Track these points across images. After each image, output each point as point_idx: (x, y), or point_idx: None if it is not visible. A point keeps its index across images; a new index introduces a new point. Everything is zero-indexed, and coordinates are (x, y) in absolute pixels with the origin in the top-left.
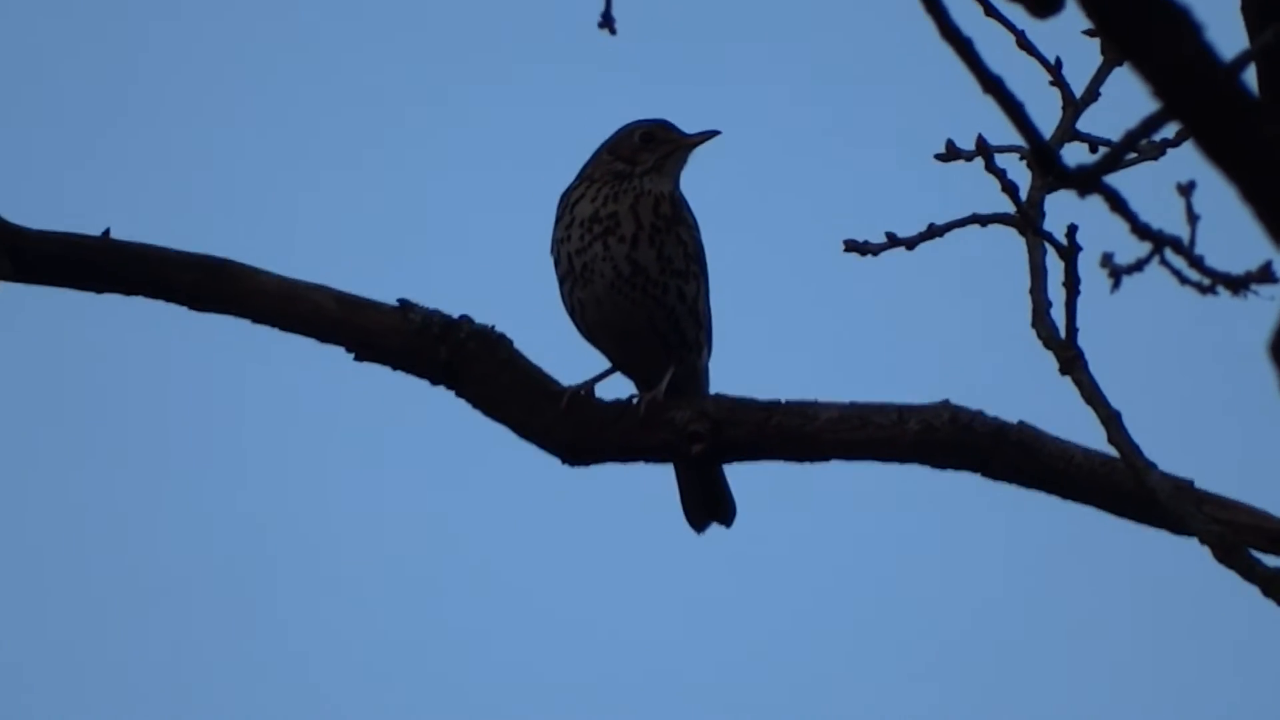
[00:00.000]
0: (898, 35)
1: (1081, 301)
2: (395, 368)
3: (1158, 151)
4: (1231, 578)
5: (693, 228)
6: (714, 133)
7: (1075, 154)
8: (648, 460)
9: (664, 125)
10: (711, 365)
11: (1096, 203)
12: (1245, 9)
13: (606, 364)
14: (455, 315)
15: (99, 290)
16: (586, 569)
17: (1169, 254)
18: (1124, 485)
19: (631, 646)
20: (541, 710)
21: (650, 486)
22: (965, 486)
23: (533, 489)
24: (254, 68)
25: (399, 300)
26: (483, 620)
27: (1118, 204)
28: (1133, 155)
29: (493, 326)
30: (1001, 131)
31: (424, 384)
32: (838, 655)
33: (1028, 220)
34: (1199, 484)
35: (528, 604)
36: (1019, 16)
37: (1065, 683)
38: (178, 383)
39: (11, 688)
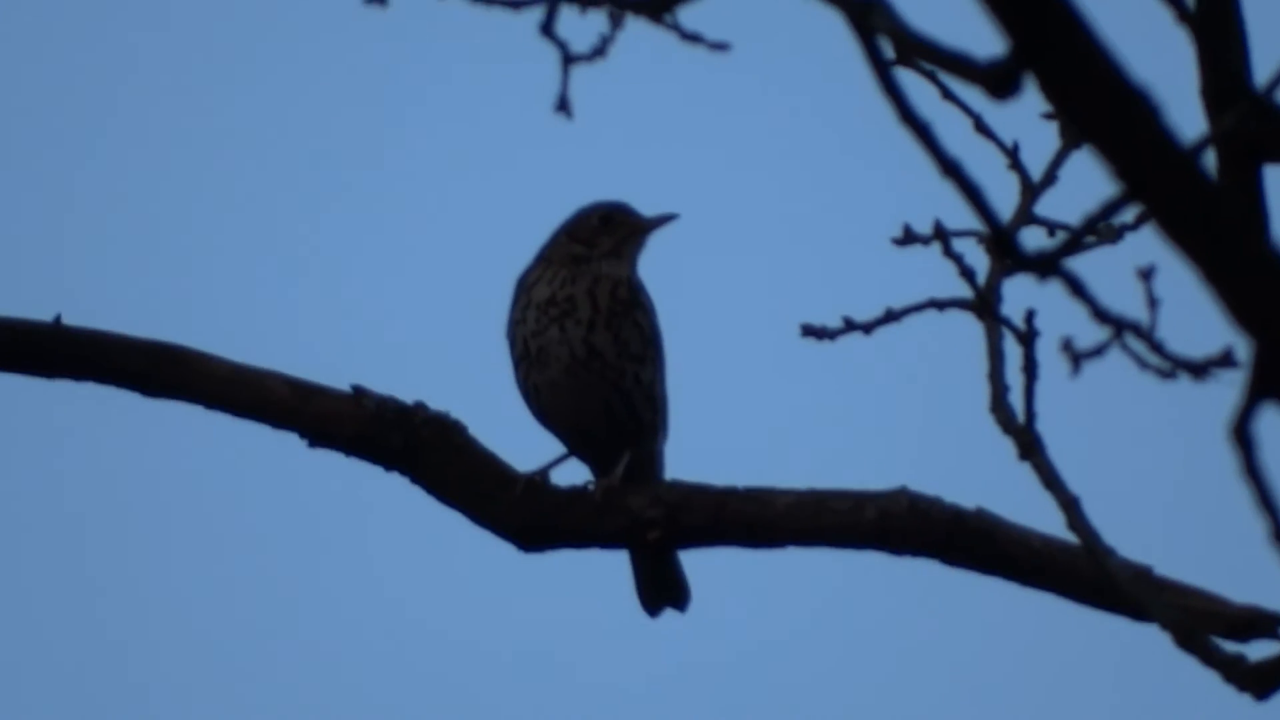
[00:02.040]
0: (856, 118)
1: (1041, 386)
2: (349, 454)
3: (1117, 235)
4: (1191, 663)
5: (649, 312)
6: (672, 216)
7: (1034, 238)
8: (603, 546)
9: (622, 208)
10: (668, 450)
11: (1056, 287)
12: (1205, 92)
13: (562, 449)
14: (410, 401)
15: (49, 376)
16: (540, 653)
17: (1130, 338)
18: (1083, 571)
19: None
20: None
21: (604, 570)
22: (923, 573)
23: (487, 574)
24: (202, 150)
25: (352, 386)
26: (437, 705)
27: (1077, 288)
28: (1092, 239)
29: (447, 413)
30: (960, 214)
31: (377, 470)
32: None
33: (986, 305)
34: (1158, 570)
35: (481, 689)
36: (977, 99)
37: None
38: (127, 470)
39: None
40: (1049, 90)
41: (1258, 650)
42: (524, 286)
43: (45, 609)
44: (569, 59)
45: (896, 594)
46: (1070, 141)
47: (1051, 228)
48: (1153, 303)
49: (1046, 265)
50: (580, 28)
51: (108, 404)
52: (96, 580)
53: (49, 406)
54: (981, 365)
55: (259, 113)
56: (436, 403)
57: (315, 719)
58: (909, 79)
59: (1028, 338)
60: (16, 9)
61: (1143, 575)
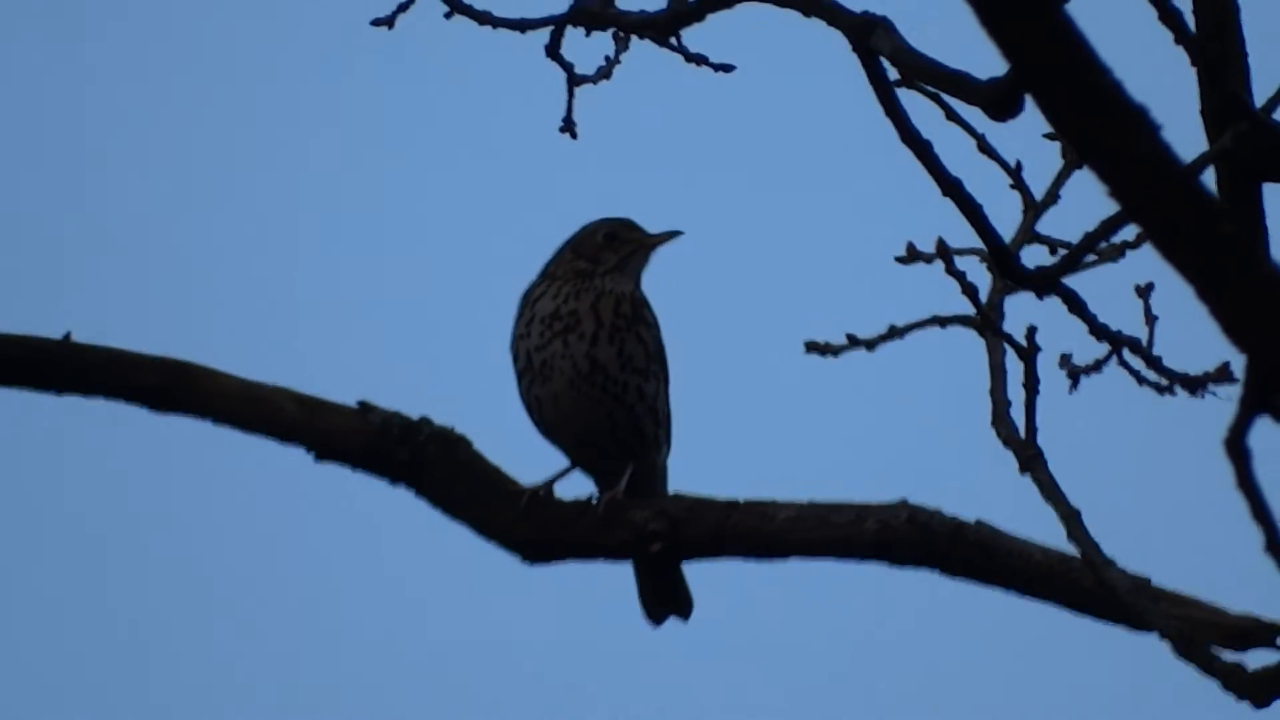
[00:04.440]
0: (860, 137)
1: (1041, 401)
2: (356, 468)
3: (1117, 253)
4: (1191, 672)
5: (653, 326)
6: (676, 233)
7: (1035, 256)
8: (607, 559)
9: (627, 224)
10: (671, 463)
11: (1056, 304)
12: (1205, 112)
13: (566, 462)
14: (415, 416)
15: (59, 392)
16: (546, 663)
17: (1127, 354)
18: (1083, 582)
19: None
20: None
21: (609, 580)
22: (924, 584)
23: (492, 587)
24: (211, 168)
25: (359, 402)
26: (443, 715)
27: (1076, 305)
28: (1092, 257)
29: (452, 427)
30: (963, 232)
31: (383, 484)
32: None
33: (987, 322)
34: (1156, 580)
35: (486, 699)
36: (979, 119)
37: None
38: (137, 484)
39: None
40: (1049, 110)
41: (1256, 658)
42: (528, 301)
43: (53, 620)
44: (574, 80)
45: (898, 606)
46: (1071, 161)
47: (1053, 246)
48: (1150, 319)
49: (1046, 283)
50: (586, 49)
51: (117, 420)
52: (105, 593)
53: (59, 422)
54: (983, 380)
55: (269, 132)
56: (442, 417)
57: None
58: (912, 99)
59: (1029, 354)
60: (33, 31)
61: (1142, 585)
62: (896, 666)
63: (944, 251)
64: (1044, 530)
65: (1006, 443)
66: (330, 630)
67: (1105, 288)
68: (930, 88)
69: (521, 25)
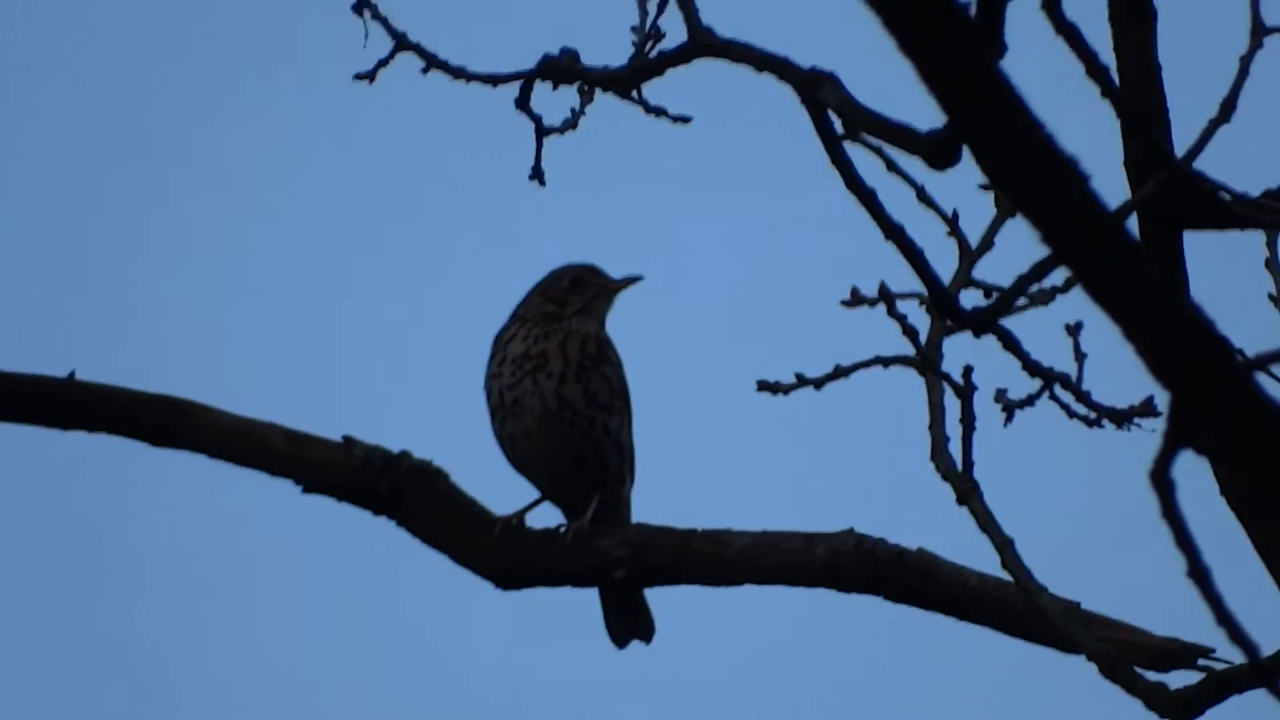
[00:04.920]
0: (807, 186)
1: (977, 435)
2: (340, 499)
3: (1048, 297)
4: (1117, 693)
5: (617, 365)
6: (637, 278)
7: (971, 298)
8: (575, 585)
9: (591, 269)
10: (634, 494)
11: (991, 342)
12: (1128, 162)
13: (536, 494)
14: (395, 450)
15: (64, 428)
16: (517, 684)
17: (1058, 389)
18: (1016, 606)
19: None
20: None
21: (576, 606)
22: (868, 608)
23: (467, 612)
24: (199, 218)
25: (343, 436)
26: None
27: (1010, 344)
28: (1024, 300)
29: (430, 461)
30: (904, 277)
31: (365, 515)
32: None
33: (927, 362)
34: (1085, 605)
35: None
36: (920, 170)
37: None
38: (137, 515)
39: None
40: (984, 161)
41: (1178, 679)
42: (500, 343)
43: (54, 647)
44: (542, 131)
45: (844, 629)
46: (1005, 210)
47: (988, 289)
48: (1080, 356)
49: (982, 323)
50: (553, 102)
51: (118, 453)
52: (105, 612)
53: (64, 455)
54: (923, 417)
55: (252, 180)
56: (420, 451)
57: None
58: (856, 151)
59: (966, 392)
60: (41, 62)
61: (1071, 610)
62: (842, 687)
63: (886, 295)
64: (980, 558)
65: (945, 476)
66: (314, 653)
67: (1038, 327)
68: (873, 139)
69: (493, 79)
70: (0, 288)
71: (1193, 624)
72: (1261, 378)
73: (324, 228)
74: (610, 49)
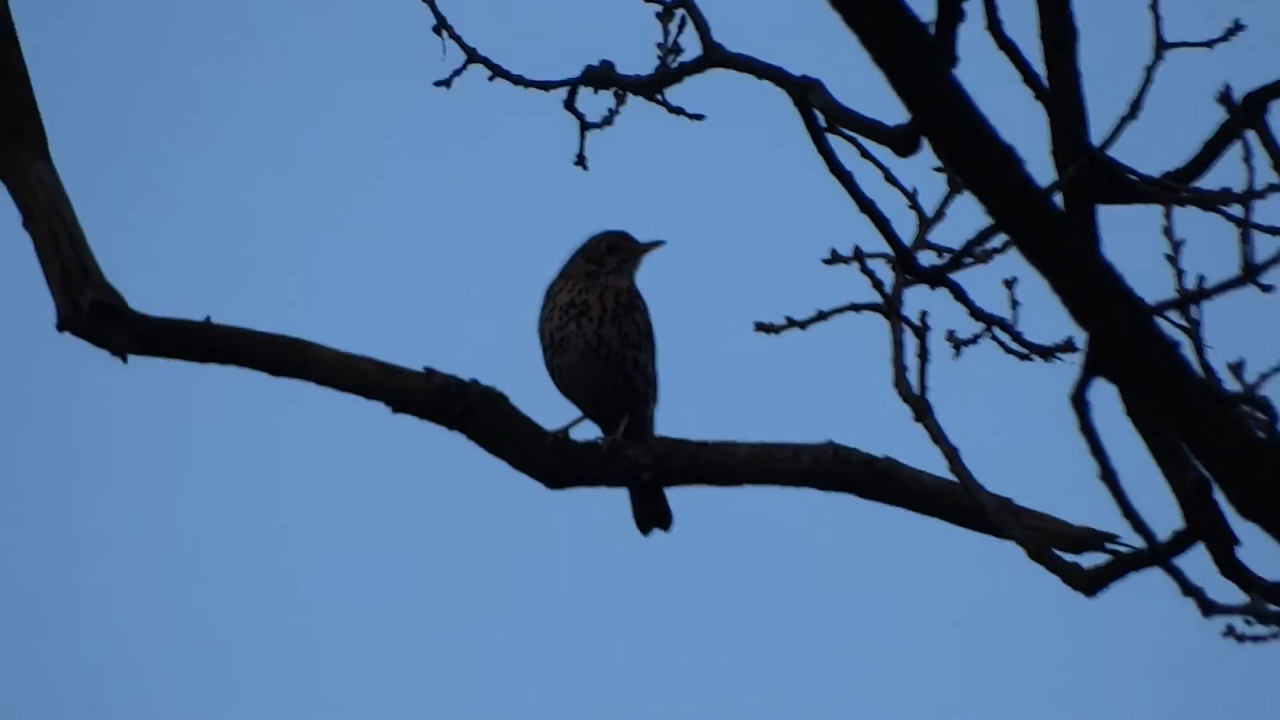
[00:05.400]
0: (798, 168)
1: (930, 367)
2: (422, 418)
3: (989, 257)
4: (1041, 571)
5: (644, 312)
6: (660, 242)
7: (928, 259)
8: (609, 485)
9: (624, 236)
10: (658, 413)
11: (943, 293)
12: (1054, 150)
13: (578, 413)
14: (467, 378)
15: (202, 361)
16: (566, 567)
17: (997, 331)
18: (962, 503)
19: (597, 616)
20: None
21: (610, 504)
22: (843, 505)
23: (521, 512)
24: (311, 191)
25: (425, 368)
26: (492, 607)
27: (959, 294)
28: (970, 260)
29: (494, 387)
30: (873, 240)
31: (442, 430)
32: (741, 617)
33: (891, 308)
34: (1017, 501)
35: (521, 595)
36: (887, 156)
37: (906, 653)
38: (259, 431)
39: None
40: (940, 149)
41: (1090, 560)
42: (550, 294)
43: (183, 549)
44: (585, 126)
45: (823, 522)
46: (955, 188)
47: (940, 251)
48: (1014, 304)
49: (936, 278)
50: (594, 103)
51: (245, 382)
52: (241, 509)
53: (202, 384)
54: (887, 352)
55: (355, 164)
56: (487, 379)
57: (401, 617)
58: (836, 142)
59: (922, 332)
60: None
61: (1005, 505)
62: (818, 566)
63: (859, 255)
64: (933, 464)
65: (905, 399)
66: (405, 538)
67: (980, 281)
68: (850, 132)
69: (545, 85)
70: (151, 241)
71: (1102, 516)
72: (1158, 321)
73: (412, 203)
74: (639, 60)
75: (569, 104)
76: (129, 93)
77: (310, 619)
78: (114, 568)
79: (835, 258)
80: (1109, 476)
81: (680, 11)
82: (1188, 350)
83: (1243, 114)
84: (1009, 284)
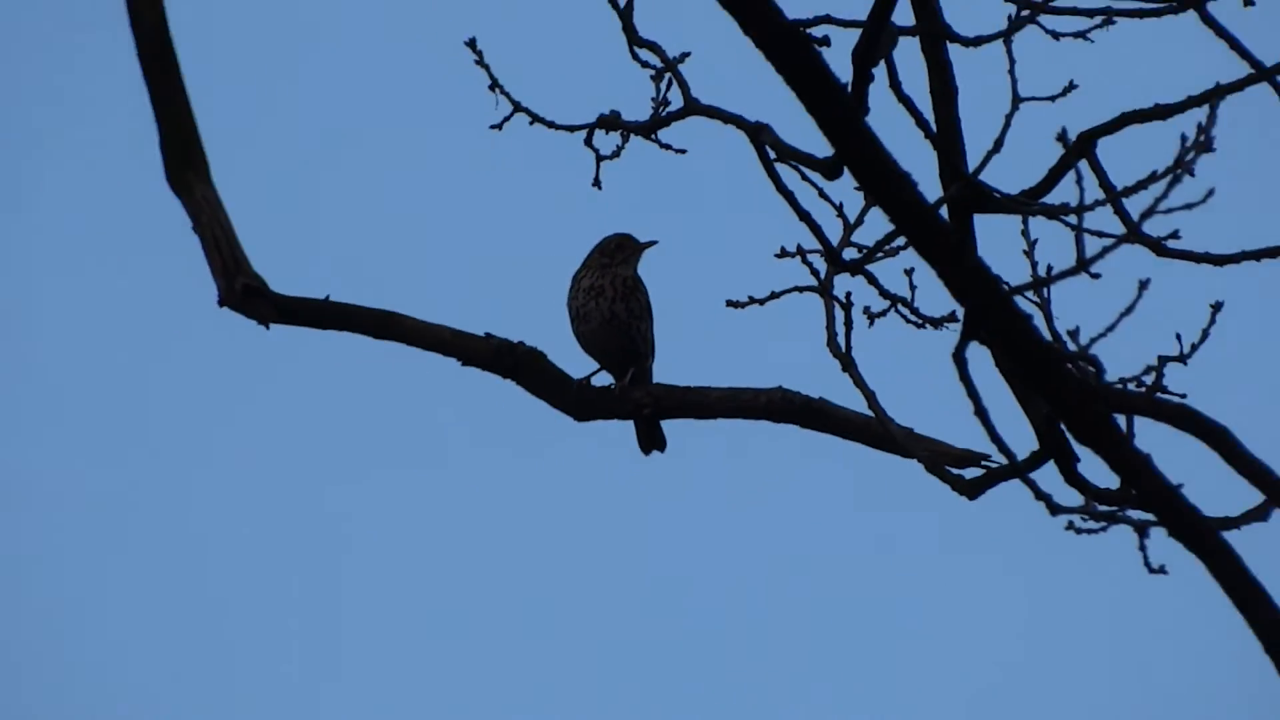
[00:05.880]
0: (755, 188)
1: (853, 333)
2: (483, 370)
3: (894, 252)
4: (935, 482)
5: (644, 293)
6: (654, 242)
7: (850, 254)
8: (620, 419)
9: (628, 237)
10: (654, 367)
11: (862, 280)
12: (941, 175)
13: (596, 366)
14: (515, 340)
15: (323, 328)
16: (589, 479)
17: (900, 307)
18: (877, 432)
19: (610, 513)
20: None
21: (620, 432)
22: (797, 438)
23: (553, 441)
24: (401, 199)
25: (485, 333)
26: (534, 509)
27: (872, 280)
28: (880, 255)
29: (536, 347)
30: (810, 241)
31: (498, 379)
32: (714, 512)
33: (824, 290)
34: (917, 430)
35: (554, 500)
36: (819, 179)
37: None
38: (365, 380)
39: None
40: (857, 175)
41: (970, 474)
42: (575, 279)
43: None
44: (600, 157)
45: (773, 450)
46: (869, 202)
47: (860, 248)
48: (912, 287)
49: (856, 268)
50: (605, 140)
51: (355, 342)
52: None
53: (329, 351)
54: (822, 320)
55: (432, 188)
56: (531, 341)
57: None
58: (782, 168)
59: (847, 307)
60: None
61: (908, 433)
62: (772, 480)
63: (800, 251)
64: (856, 404)
65: (834, 355)
66: (471, 456)
67: (888, 270)
68: (792, 162)
69: (571, 128)
70: (285, 238)
71: (978, 441)
72: (1017, 299)
73: (475, 212)
74: (638, 108)
75: (588, 141)
76: (267, 126)
77: (399, 507)
78: (261, 480)
79: (783, 253)
80: (981, 413)
81: (668, 75)
82: (1039, 321)
83: (1076, 149)
84: (908, 272)
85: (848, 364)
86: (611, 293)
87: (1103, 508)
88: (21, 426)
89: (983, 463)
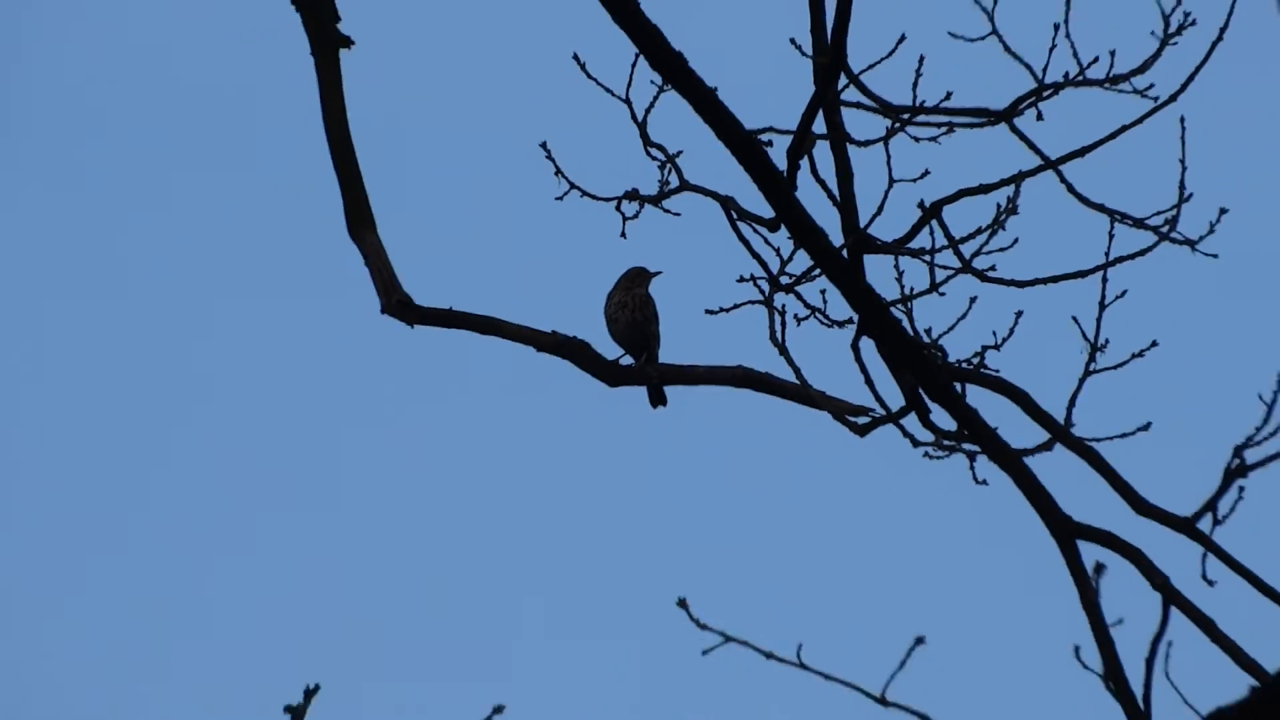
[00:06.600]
0: (722, 238)
1: (788, 331)
2: (550, 354)
3: (813, 279)
4: (839, 426)
5: (654, 305)
6: (659, 272)
7: (786, 280)
8: (640, 385)
9: (643, 269)
10: (661, 353)
11: (793, 297)
12: (843, 229)
13: (622, 352)
14: (571, 334)
15: (449, 327)
16: (617, 424)
17: (817, 314)
18: (805, 394)
19: (630, 446)
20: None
21: (638, 394)
22: (752, 398)
23: (595, 400)
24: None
25: (552, 330)
26: (577, 445)
27: (799, 296)
28: (806, 280)
29: (585, 339)
30: (758, 269)
31: (559, 360)
32: (696, 443)
33: (769, 303)
34: (829, 391)
35: (592, 440)
36: (765, 231)
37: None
38: (473, 364)
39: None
40: (789, 228)
41: (861, 421)
42: (609, 296)
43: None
44: (625, 217)
45: (737, 406)
46: (797, 245)
47: (791, 275)
48: (825, 301)
49: (788, 289)
50: (629, 207)
51: (470, 340)
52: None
53: (451, 342)
54: (764, 322)
55: (512, 239)
56: (582, 335)
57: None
58: (743, 225)
59: (782, 314)
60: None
61: (823, 394)
62: (734, 430)
63: (753, 278)
64: (790, 376)
65: (775, 345)
66: (532, 414)
67: (809, 290)
68: (749, 220)
69: (606, 199)
70: (421, 266)
71: (867, 399)
72: (893, 309)
73: (545, 254)
74: (649, 185)
75: (617, 207)
76: (411, 196)
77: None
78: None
79: (742, 279)
80: (869, 382)
81: (669, 164)
82: (906, 323)
83: (929, 212)
84: (823, 292)
85: (783, 351)
86: (632, 305)
87: (946, 442)
88: (226, 410)
89: (870, 414)
